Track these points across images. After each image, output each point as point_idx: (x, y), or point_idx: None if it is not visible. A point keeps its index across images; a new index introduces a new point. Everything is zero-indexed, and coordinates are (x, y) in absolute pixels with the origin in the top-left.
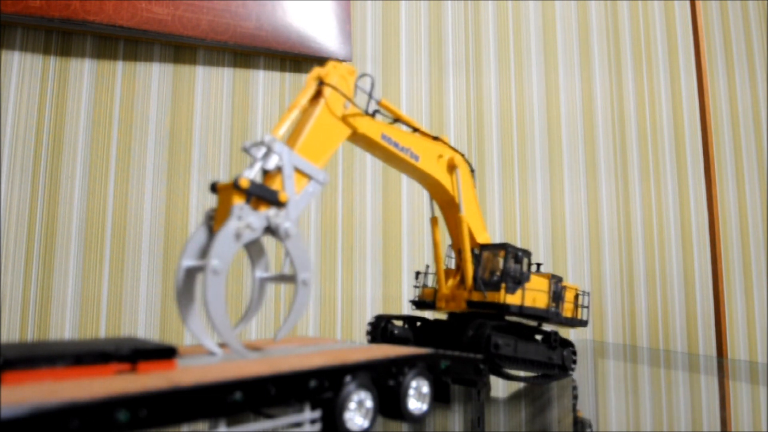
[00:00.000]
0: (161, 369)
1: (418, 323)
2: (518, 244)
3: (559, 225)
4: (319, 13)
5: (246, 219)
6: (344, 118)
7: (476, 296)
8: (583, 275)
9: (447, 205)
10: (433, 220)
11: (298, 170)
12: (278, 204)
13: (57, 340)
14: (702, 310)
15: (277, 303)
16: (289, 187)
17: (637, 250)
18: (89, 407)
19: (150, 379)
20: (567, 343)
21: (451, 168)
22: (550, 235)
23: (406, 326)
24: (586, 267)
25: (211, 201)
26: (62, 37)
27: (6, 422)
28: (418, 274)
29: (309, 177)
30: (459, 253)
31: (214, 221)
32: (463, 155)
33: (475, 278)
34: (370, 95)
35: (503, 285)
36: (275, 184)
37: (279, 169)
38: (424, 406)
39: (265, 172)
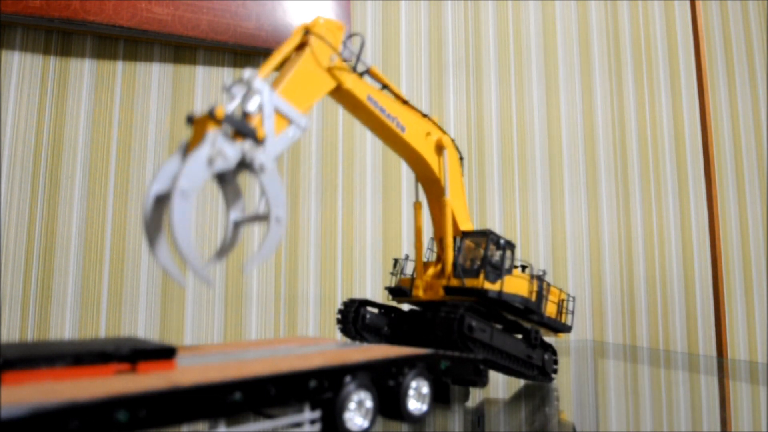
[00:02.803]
0: (161, 369)
1: (392, 314)
2: (518, 243)
3: (560, 224)
4: (319, 13)
5: (220, 146)
6: (330, 70)
7: (454, 282)
8: (583, 275)
9: (432, 188)
10: (417, 205)
11: (278, 113)
12: (255, 139)
13: (57, 340)
14: (702, 310)
15: (277, 302)
16: (268, 127)
17: (638, 250)
18: (89, 407)
19: (150, 379)
20: (548, 347)
21: (439, 149)
22: (550, 235)
23: (380, 314)
24: (587, 267)
25: (210, 198)
26: (62, 37)
27: (6, 422)
28: (396, 261)
29: (290, 121)
30: (440, 242)
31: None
32: (452, 139)
33: (454, 265)
34: (359, 57)
35: (482, 271)
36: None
37: (259, 112)
38: (424, 407)
39: (245, 116)
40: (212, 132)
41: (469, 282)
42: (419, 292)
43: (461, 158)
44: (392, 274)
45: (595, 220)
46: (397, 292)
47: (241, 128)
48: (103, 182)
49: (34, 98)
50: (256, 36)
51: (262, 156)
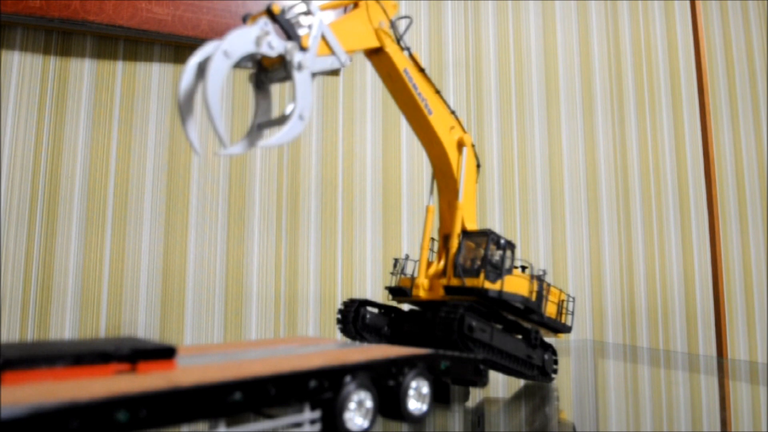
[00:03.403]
0: (161, 369)
1: (392, 314)
2: (518, 243)
3: (560, 225)
4: None
5: (268, 30)
6: (377, 31)
7: (455, 282)
8: (583, 275)
9: (445, 182)
10: (429, 209)
11: (324, 39)
12: (299, 45)
13: (57, 340)
14: (702, 310)
15: (277, 302)
16: (312, 43)
17: (637, 250)
18: (89, 407)
19: (150, 379)
20: (548, 347)
21: (460, 146)
22: (550, 235)
23: (380, 314)
24: (586, 267)
25: (211, 198)
26: (62, 37)
27: (6, 422)
28: (396, 261)
29: (331, 52)
30: (444, 239)
31: None
32: (473, 144)
33: (455, 264)
34: (401, 36)
35: (483, 271)
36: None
37: (308, 32)
38: (424, 407)
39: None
40: (265, 18)
41: (469, 282)
42: (419, 292)
43: (478, 165)
44: (392, 274)
45: (596, 221)
46: (398, 291)
47: (290, 29)
48: (103, 182)
49: (34, 98)
50: None
51: (302, 56)
